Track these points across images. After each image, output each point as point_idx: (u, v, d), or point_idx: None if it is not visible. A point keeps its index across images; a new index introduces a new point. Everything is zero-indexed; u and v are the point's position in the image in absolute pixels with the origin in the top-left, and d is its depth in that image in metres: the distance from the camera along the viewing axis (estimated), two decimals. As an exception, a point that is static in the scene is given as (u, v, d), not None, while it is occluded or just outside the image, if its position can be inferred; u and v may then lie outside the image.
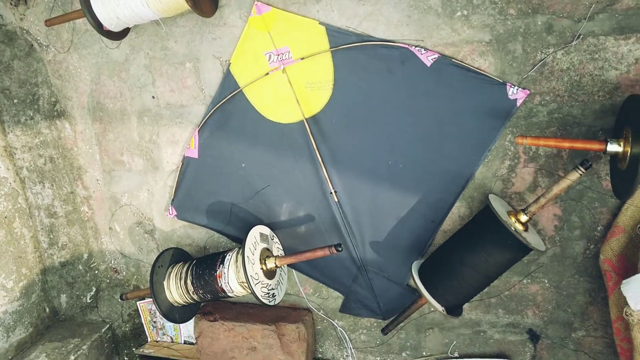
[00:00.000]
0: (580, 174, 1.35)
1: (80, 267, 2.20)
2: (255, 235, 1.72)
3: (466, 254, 1.51)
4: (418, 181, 1.67)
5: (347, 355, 2.00)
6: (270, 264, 1.71)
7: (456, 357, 1.86)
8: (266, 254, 1.75)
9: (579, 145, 1.35)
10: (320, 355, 2.05)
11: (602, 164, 1.50)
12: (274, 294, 1.74)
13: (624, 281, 1.37)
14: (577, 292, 1.65)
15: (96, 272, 2.21)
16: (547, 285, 1.68)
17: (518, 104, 1.49)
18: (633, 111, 1.30)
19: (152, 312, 2.18)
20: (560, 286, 1.67)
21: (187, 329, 2.17)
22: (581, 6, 1.37)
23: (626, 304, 1.37)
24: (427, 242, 1.73)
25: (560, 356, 1.75)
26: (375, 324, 1.92)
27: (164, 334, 2.21)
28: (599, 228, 1.57)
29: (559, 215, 1.59)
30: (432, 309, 1.82)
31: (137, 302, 2.18)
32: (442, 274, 1.56)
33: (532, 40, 1.44)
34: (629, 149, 1.28)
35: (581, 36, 1.39)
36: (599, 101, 1.44)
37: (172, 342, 2.21)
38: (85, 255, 2.19)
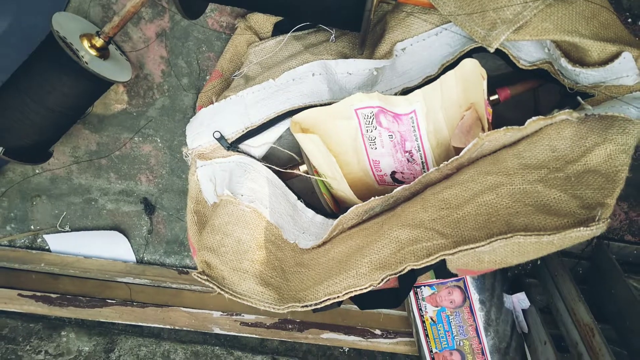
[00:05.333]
0: (153, -12, 1.14)
1: None
2: None
3: (23, 80, 1.21)
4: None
5: (-59, 228, 1.61)
6: None
7: (68, 231, 1.59)
8: None
9: (143, -56, 1.11)
10: None
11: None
12: None
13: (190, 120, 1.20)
14: (189, 154, 1.47)
15: None
16: (160, 145, 1.47)
17: None
18: None
19: None
20: (172, 147, 1.47)
21: None
22: None
23: (185, 144, 1.20)
24: (20, 81, 1.40)
25: (177, 230, 1.57)
26: (-30, 189, 1.56)
27: None
28: (207, 77, 1.38)
29: (166, 58, 1.37)
30: (37, 171, 1.52)
31: None
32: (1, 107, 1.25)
33: None
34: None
35: None
36: None
37: None
38: None
